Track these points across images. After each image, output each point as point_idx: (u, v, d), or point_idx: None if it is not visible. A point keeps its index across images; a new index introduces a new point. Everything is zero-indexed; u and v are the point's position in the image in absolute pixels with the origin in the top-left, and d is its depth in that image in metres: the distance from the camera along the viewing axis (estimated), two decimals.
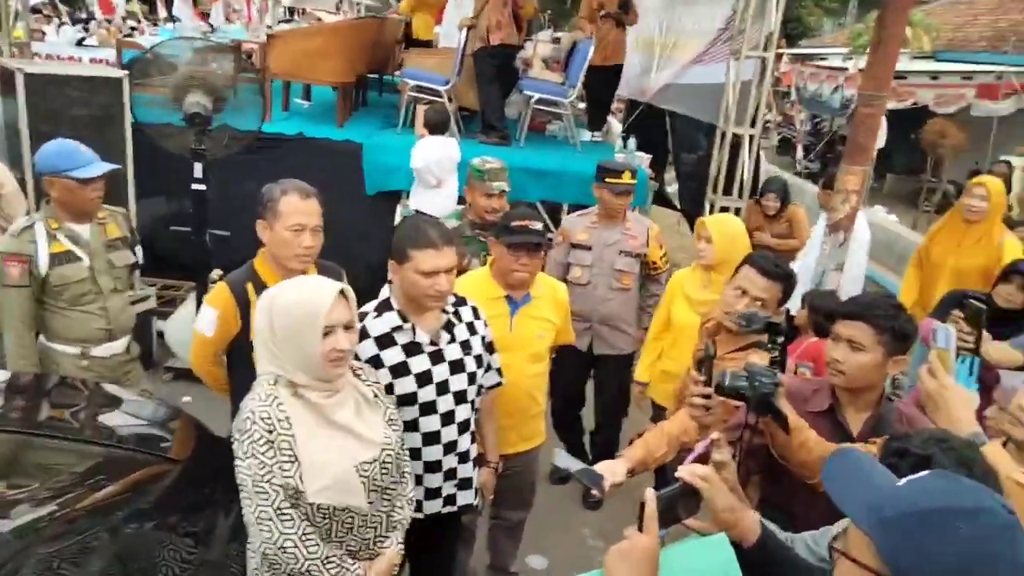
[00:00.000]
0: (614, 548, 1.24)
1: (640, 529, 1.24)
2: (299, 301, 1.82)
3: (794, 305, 3.42)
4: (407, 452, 2.16)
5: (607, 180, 3.69)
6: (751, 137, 5.23)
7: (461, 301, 2.45)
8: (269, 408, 1.78)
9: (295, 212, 2.42)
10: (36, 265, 2.83)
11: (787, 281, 2.47)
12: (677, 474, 1.37)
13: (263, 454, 1.75)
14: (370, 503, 1.90)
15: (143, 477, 2.02)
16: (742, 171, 5.25)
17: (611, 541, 1.27)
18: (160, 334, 4.85)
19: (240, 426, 1.79)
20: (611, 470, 2.03)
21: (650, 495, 1.27)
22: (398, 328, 2.26)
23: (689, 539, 1.36)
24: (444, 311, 2.34)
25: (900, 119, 10.22)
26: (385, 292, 2.35)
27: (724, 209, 5.22)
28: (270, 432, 1.76)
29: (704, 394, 1.95)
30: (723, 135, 5.27)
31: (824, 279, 3.95)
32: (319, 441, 1.81)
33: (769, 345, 1.87)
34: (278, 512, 1.75)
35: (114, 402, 2.59)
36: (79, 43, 11.13)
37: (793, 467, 1.90)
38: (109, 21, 15.00)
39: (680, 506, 1.34)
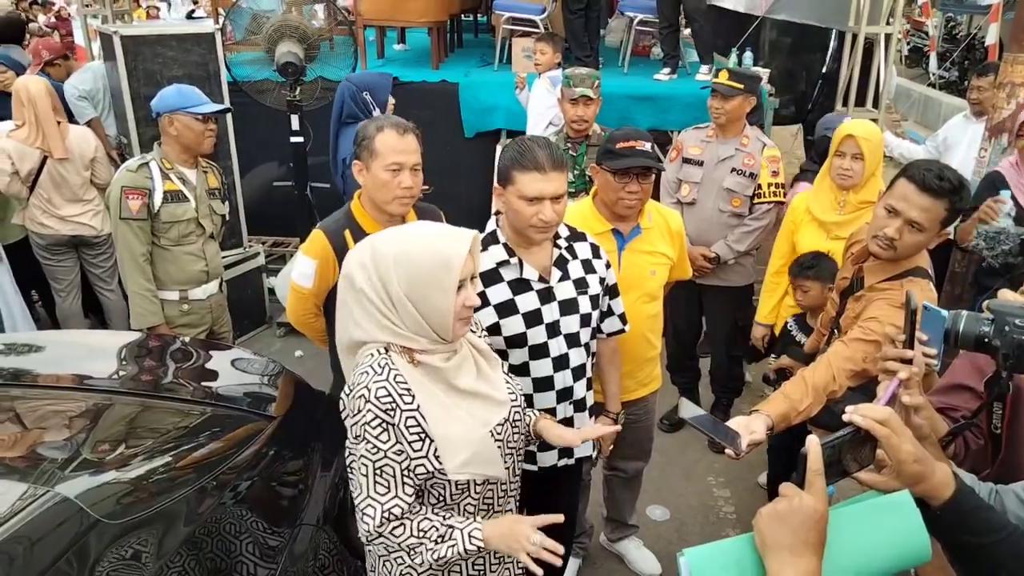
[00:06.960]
0: (768, 509, 1.00)
1: (801, 486, 1.00)
2: (432, 252, 1.52)
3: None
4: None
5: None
6: (888, 37, 4.59)
7: (579, 236, 2.21)
8: (386, 383, 1.51)
9: (392, 151, 2.23)
10: (152, 200, 2.94)
11: (955, 197, 1.98)
12: (846, 417, 1.09)
13: (376, 438, 1.50)
14: (506, 468, 1.68)
15: (241, 435, 1.95)
16: (878, 77, 4.63)
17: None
18: (271, 290, 4.91)
19: (352, 405, 1.52)
20: (748, 427, 1.73)
21: (814, 444, 1.01)
22: (504, 263, 2.05)
23: (863, 497, 1.10)
24: (556, 245, 2.11)
25: None
26: (491, 224, 2.15)
27: None
28: (389, 412, 1.50)
29: (906, 358, 1.44)
30: (854, 38, 4.64)
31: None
32: (448, 411, 1.57)
33: None
34: (386, 515, 1.51)
35: (221, 362, 2.59)
36: (189, 16, 11.42)
37: None
38: None
39: (850, 457, 1.08)
